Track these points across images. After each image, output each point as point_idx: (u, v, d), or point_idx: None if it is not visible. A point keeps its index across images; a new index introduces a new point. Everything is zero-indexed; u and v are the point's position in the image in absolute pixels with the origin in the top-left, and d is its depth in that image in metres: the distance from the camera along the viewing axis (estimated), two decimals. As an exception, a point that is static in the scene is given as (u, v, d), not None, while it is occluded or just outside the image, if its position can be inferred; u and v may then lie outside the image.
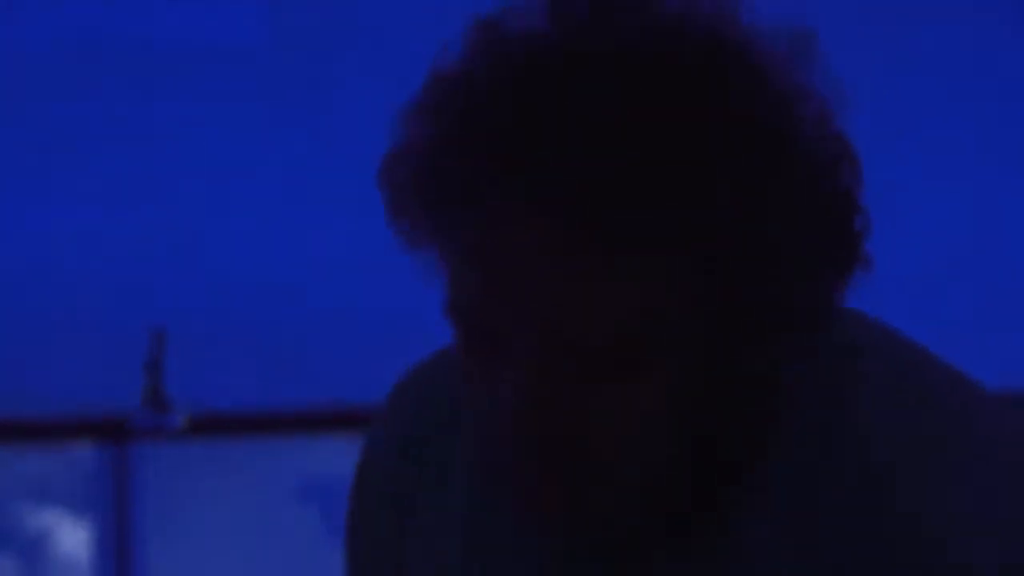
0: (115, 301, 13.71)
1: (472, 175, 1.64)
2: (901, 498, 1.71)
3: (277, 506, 15.30)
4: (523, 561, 1.90)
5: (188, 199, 12.83)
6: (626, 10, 1.69)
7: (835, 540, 1.72)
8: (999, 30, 11.63)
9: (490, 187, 1.64)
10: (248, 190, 12.79)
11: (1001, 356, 12.57)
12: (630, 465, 1.70)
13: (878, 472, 1.72)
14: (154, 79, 12.24)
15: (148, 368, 13.83)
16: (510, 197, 1.63)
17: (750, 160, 1.66)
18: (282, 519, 15.34)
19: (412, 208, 1.77)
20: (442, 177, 1.69)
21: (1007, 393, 13.72)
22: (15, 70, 11.90)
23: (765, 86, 1.70)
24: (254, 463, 15.11)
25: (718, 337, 1.68)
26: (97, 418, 15.22)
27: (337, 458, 14.17)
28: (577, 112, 1.62)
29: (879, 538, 1.70)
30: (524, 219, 1.63)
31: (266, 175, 12.69)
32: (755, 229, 1.65)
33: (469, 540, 1.93)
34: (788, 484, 1.72)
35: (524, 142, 1.62)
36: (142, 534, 15.09)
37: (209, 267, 13.37)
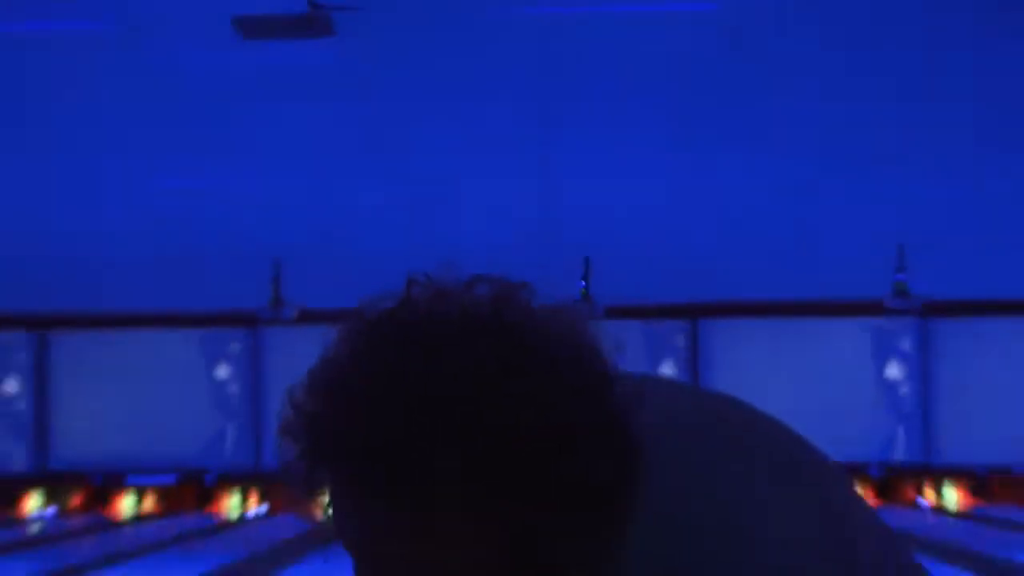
0: (254, 236, 14.69)
1: (321, 460, 1.35)
2: None
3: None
4: None
5: (289, 169, 13.14)
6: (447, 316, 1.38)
7: None
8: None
9: (331, 470, 1.36)
10: (324, 163, 12.83)
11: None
12: None
13: None
14: (263, 91, 11.79)
15: (272, 281, 15.79)
16: (343, 480, 1.35)
17: (539, 439, 1.32)
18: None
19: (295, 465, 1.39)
20: (305, 456, 1.37)
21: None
22: (174, 91, 11.32)
23: (559, 379, 1.35)
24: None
25: (526, 557, 1.36)
26: (240, 312, 17.12)
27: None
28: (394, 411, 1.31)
29: None
30: (357, 498, 1.35)
31: (337, 154, 12.59)
32: (546, 491, 1.33)
33: None
34: None
35: (344, 439, 1.34)
36: (269, 385, 17.08)
37: (308, 219, 14.09)
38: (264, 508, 18.61)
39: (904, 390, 18.84)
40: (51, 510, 19.04)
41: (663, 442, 1.50)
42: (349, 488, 1.38)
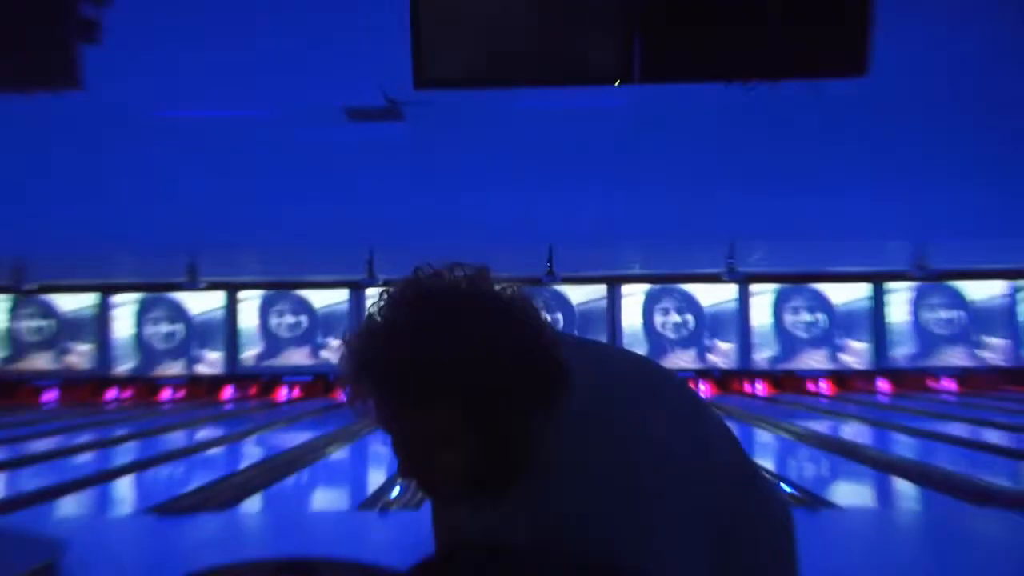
0: (357, 235, 14.27)
1: (362, 382, 1.35)
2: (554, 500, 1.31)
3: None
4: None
5: (376, 199, 12.33)
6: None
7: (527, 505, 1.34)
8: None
9: (371, 388, 1.34)
10: (397, 194, 12.10)
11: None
12: (452, 473, 1.37)
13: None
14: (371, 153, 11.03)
15: (367, 263, 15.52)
16: (376, 393, 1.33)
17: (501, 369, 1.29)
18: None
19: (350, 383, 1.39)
20: (353, 379, 1.37)
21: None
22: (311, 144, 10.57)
23: (522, 326, 1.31)
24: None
25: (485, 428, 1.31)
26: (351, 281, 17.01)
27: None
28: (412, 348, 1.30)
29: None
30: (382, 402, 1.35)
31: (405, 190, 12.03)
32: (498, 399, 1.28)
33: None
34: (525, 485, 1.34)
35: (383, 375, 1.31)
36: None
37: (389, 225, 13.59)
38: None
39: (735, 325, 18.71)
40: (237, 396, 19.02)
41: (578, 376, 1.40)
42: (378, 392, 1.33)
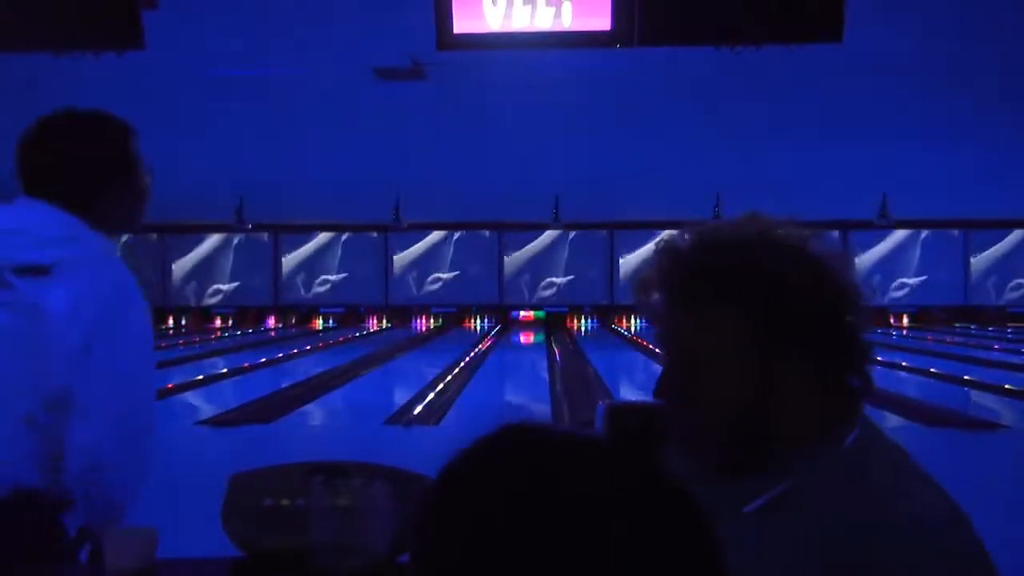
0: (384, 183, 13.94)
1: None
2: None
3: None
4: None
5: (401, 147, 11.96)
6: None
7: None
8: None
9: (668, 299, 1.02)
10: (419, 143, 11.72)
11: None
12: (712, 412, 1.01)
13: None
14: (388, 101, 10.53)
15: (394, 208, 14.80)
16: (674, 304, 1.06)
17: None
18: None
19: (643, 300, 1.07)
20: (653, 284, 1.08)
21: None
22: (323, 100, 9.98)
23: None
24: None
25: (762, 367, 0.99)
26: (378, 223, 16.29)
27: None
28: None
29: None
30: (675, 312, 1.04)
31: (424, 138, 11.53)
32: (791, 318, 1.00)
33: None
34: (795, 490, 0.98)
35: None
36: (392, 260, 15.42)
37: (414, 171, 13.31)
38: (388, 325, 18.79)
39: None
40: (279, 325, 19.33)
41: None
42: (667, 305, 1.05)
